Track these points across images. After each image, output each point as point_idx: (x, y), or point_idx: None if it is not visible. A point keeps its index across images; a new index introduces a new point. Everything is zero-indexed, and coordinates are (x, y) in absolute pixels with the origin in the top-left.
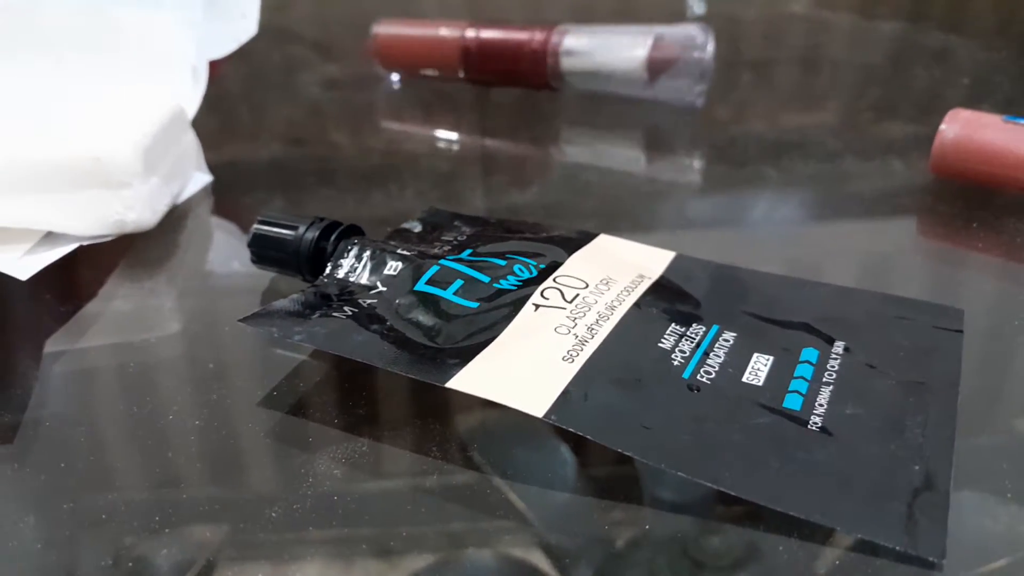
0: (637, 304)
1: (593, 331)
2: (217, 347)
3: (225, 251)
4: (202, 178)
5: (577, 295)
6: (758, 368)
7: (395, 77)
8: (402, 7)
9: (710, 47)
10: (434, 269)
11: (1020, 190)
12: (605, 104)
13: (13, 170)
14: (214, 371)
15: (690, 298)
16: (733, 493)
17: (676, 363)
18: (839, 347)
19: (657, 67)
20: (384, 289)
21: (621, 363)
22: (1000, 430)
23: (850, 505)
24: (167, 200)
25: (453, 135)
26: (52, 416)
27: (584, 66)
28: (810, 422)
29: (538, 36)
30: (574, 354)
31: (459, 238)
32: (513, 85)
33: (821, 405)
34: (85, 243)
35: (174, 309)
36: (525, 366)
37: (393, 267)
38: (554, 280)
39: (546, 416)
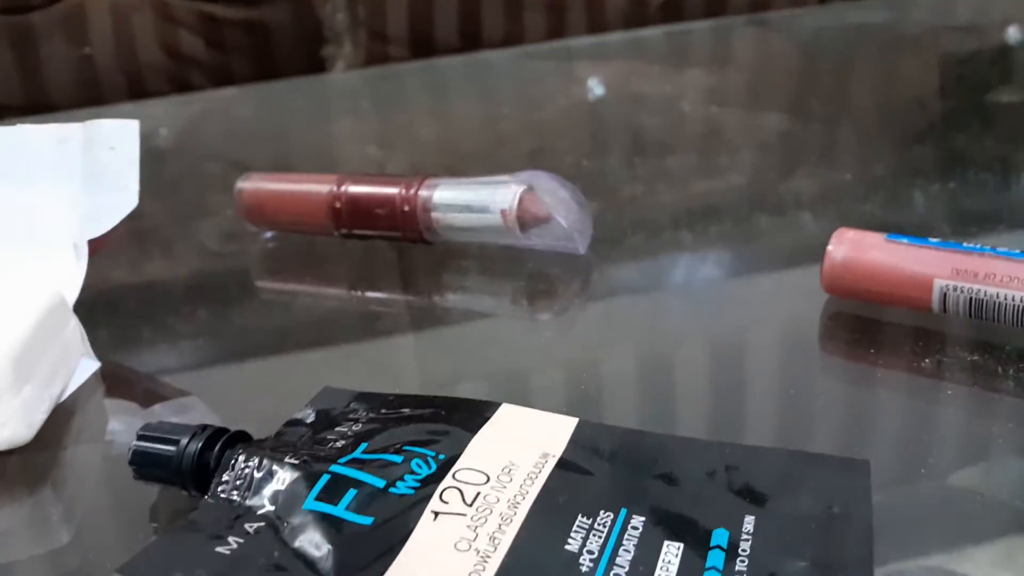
0: (541, 495)
1: (496, 541)
2: None
3: (115, 452)
4: (89, 365)
5: (478, 494)
6: (669, 562)
7: (268, 233)
8: (321, 128)
9: (577, 198)
10: (324, 480)
11: (911, 308)
12: (485, 253)
13: None
14: None
15: (595, 477)
16: None
17: (584, 570)
18: (749, 525)
19: (527, 222)
20: (271, 508)
21: None
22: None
23: None
24: (47, 404)
25: (330, 293)
26: None
27: (455, 222)
28: None
29: (406, 192)
30: None
31: (353, 428)
32: (388, 239)
33: None
34: None
35: (59, 531)
36: None
37: (281, 480)
38: (454, 476)
39: None
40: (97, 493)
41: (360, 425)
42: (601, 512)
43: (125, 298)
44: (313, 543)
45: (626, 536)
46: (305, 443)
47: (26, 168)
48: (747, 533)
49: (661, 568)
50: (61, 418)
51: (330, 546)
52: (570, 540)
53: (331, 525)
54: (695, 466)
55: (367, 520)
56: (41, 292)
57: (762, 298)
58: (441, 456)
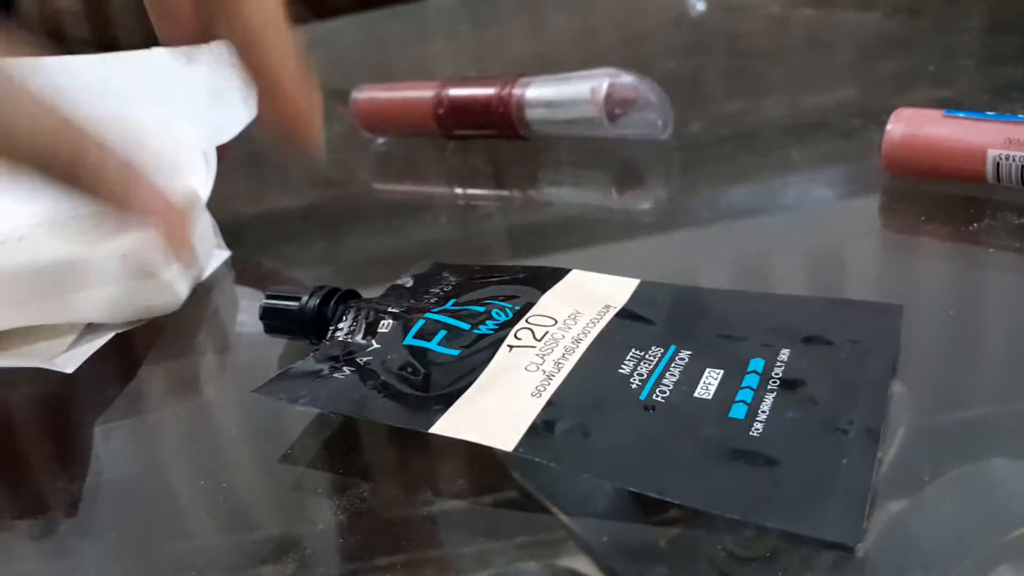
0: (601, 335)
1: (560, 365)
2: (245, 411)
3: (247, 321)
4: (221, 254)
5: (546, 332)
6: (709, 383)
7: (380, 140)
8: (414, 52)
9: (657, 89)
10: (420, 323)
11: (964, 181)
12: (577, 146)
13: (52, 273)
14: (242, 434)
15: (650, 323)
16: (677, 502)
17: (634, 386)
18: (784, 355)
19: (614, 111)
20: (378, 346)
21: (584, 391)
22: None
23: (781, 503)
24: (189, 281)
25: (435, 191)
26: (106, 488)
27: (547, 116)
28: (752, 429)
29: (501, 91)
30: (542, 389)
31: (444, 289)
32: (487, 138)
33: (764, 412)
34: (120, 331)
35: (207, 380)
36: (498, 405)
37: (385, 325)
38: (527, 320)
39: (515, 449)
40: (233, 351)
41: (449, 287)
42: (652, 347)
43: (259, 201)
44: (410, 369)
45: (673, 365)
46: (404, 300)
47: (162, 86)
48: (781, 362)
49: (701, 388)
50: (201, 296)
51: (424, 370)
52: (623, 365)
53: (425, 356)
54: (742, 313)
55: (455, 352)
56: (177, 190)
57: (827, 181)
58: (517, 307)
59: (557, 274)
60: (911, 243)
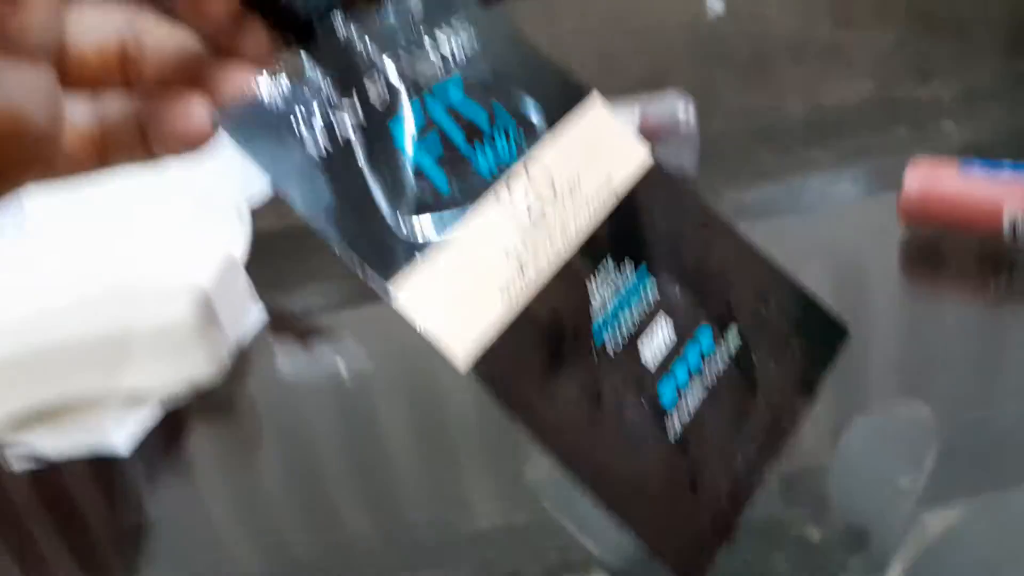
0: (591, 238)
1: (538, 262)
2: (294, 475)
3: (290, 381)
4: (257, 313)
5: (540, 209)
6: (658, 342)
7: None
8: None
9: (692, 117)
10: (417, 113)
11: (983, 236)
12: None
13: (99, 345)
14: (291, 499)
15: (641, 229)
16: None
17: (594, 323)
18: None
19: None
20: (362, 118)
21: (551, 313)
22: None
23: None
24: (229, 345)
25: None
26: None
27: None
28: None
29: None
30: (511, 289)
31: (454, 49)
32: None
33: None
34: (165, 404)
35: (254, 447)
36: (464, 286)
37: (375, 88)
38: (525, 169)
39: (471, 369)
40: (278, 413)
41: (461, 48)
42: (624, 264)
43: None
44: (390, 175)
45: (638, 302)
46: (400, 43)
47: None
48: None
49: (649, 345)
50: (242, 359)
51: (407, 189)
52: (595, 293)
53: (412, 167)
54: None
55: (444, 186)
56: (216, 253)
57: (846, 217)
58: (521, 140)
59: (575, 95)
60: (926, 292)
